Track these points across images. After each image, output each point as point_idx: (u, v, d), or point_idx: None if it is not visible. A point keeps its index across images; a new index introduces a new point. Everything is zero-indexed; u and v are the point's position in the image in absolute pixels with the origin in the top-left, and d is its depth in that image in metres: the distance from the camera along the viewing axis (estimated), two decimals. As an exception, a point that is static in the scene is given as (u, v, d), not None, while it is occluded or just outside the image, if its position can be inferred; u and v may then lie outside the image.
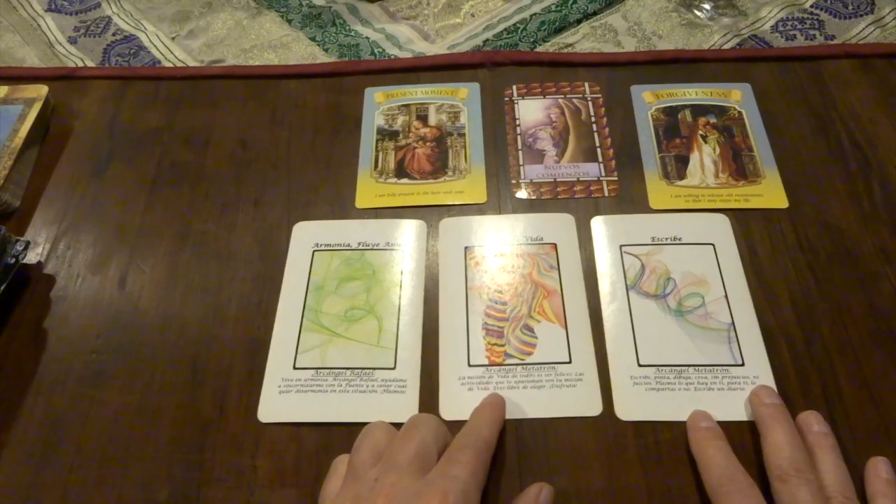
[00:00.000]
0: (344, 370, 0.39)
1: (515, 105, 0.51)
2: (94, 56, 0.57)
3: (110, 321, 0.42)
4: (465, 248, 0.44)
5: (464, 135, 0.50)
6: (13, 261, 0.41)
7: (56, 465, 0.36)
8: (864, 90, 0.50)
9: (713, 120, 0.49)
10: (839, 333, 0.39)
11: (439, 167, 0.48)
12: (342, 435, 0.37)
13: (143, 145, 0.50)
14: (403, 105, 0.52)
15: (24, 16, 0.60)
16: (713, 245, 0.43)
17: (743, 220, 0.44)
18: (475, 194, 0.47)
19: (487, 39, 0.56)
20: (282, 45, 0.57)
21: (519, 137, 0.50)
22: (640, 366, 0.38)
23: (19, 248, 0.42)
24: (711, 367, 0.38)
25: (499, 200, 0.46)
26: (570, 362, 0.39)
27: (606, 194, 0.46)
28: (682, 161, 0.47)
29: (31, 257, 0.44)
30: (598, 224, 0.45)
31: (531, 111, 0.51)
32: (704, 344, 0.39)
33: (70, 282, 0.44)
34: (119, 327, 0.41)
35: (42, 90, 0.51)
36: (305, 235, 0.45)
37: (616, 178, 0.47)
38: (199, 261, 0.44)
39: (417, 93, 0.52)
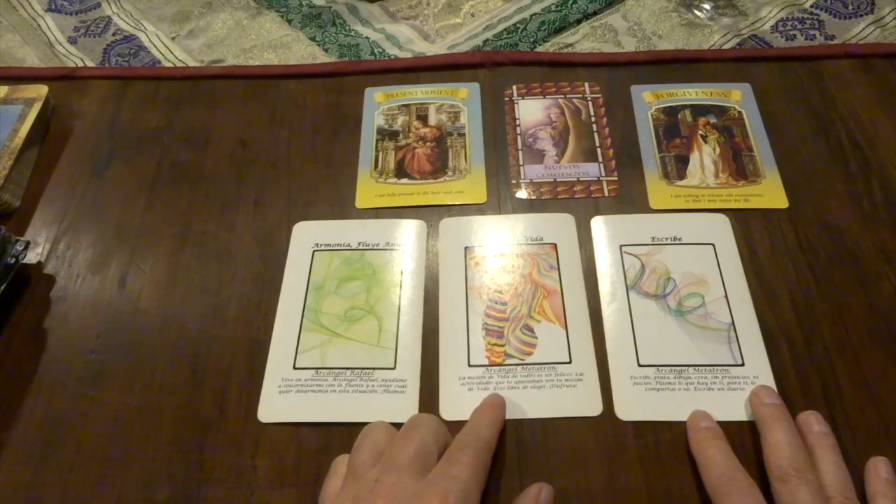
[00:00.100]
0: (344, 370, 0.39)
1: (515, 105, 0.51)
2: (94, 56, 0.57)
3: (110, 321, 0.42)
4: (465, 248, 0.44)
5: (464, 135, 0.50)
6: (13, 261, 0.41)
7: (56, 465, 0.36)
8: (864, 90, 0.50)
9: (713, 120, 0.49)
10: (839, 333, 0.39)
11: (439, 167, 0.48)
12: (342, 435, 0.37)
13: (143, 145, 0.50)
14: (403, 105, 0.52)
15: (24, 16, 0.60)
16: (713, 245, 0.43)
17: (743, 220, 0.44)
18: (475, 194, 0.47)
19: (487, 39, 0.56)
20: (282, 45, 0.57)
21: (519, 137, 0.50)
22: (640, 366, 0.38)
23: (19, 248, 0.42)
24: (711, 367, 0.38)
25: (499, 200, 0.46)
26: (570, 362, 0.39)
27: (606, 194, 0.46)
28: (682, 161, 0.47)
29: (31, 257, 0.44)
30: (598, 224, 0.45)
31: (531, 111, 0.51)
32: (704, 344, 0.39)
33: (70, 282, 0.44)
34: (119, 327, 0.41)
35: (42, 90, 0.51)
36: (305, 235, 0.45)
37: (616, 178, 0.47)
38: (199, 261, 0.44)
39: (417, 93, 0.52)
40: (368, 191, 0.47)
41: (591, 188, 0.46)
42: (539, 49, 0.55)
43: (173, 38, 0.58)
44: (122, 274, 0.44)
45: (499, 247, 0.44)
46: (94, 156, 0.50)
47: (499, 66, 0.54)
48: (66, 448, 0.37)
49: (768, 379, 0.38)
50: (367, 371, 0.39)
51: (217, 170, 0.49)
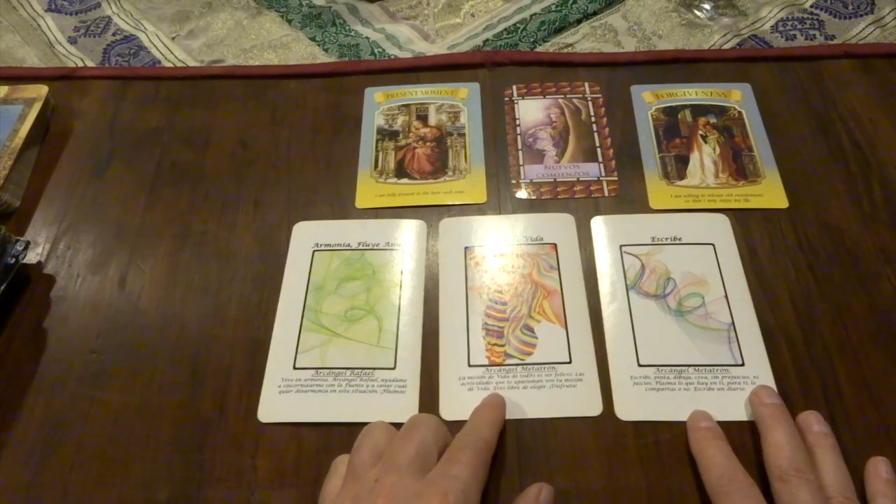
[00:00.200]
0: (344, 370, 0.39)
1: (515, 105, 0.51)
2: (94, 56, 0.57)
3: (110, 321, 0.42)
4: (465, 248, 0.44)
5: (464, 135, 0.50)
6: (13, 261, 0.41)
7: (56, 465, 0.36)
8: (864, 90, 0.50)
9: (713, 120, 0.49)
10: (839, 333, 0.39)
11: (439, 167, 0.48)
12: (342, 435, 0.37)
13: (143, 145, 0.50)
14: (403, 105, 0.52)
15: (24, 16, 0.60)
16: (713, 245, 0.43)
17: (743, 220, 0.44)
18: (475, 194, 0.47)
19: (487, 39, 0.56)
20: (282, 45, 0.57)
21: (519, 137, 0.50)
22: (640, 366, 0.38)
23: (19, 248, 0.42)
24: (711, 367, 0.38)
25: (499, 200, 0.46)
26: (570, 362, 0.39)
27: (606, 194, 0.46)
28: (682, 161, 0.47)
29: (31, 257, 0.44)
30: (598, 224, 0.45)
31: (531, 111, 0.51)
32: (704, 344, 0.39)
33: (70, 282, 0.44)
34: (119, 327, 0.41)
35: (42, 90, 0.51)
36: (305, 235, 0.45)
37: (616, 178, 0.47)
38: (199, 261, 0.44)
39: (417, 93, 0.52)
40: (368, 191, 0.47)
41: (591, 188, 0.46)
42: (539, 49, 0.55)
43: (173, 38, 0.58)
44: (122, 274, 0.44)
45: (499, 247, 0.44)
46: (94, 156, 0.50)
47: (499, 66, 0.54)
48: (66, 448, 0.37)
49: (768, 379, 0.38)
50: (367, 371, 0.39)
51: (217, 170, 0.49)
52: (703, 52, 0.54)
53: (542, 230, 0.44)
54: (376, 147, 0.49)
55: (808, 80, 0.51)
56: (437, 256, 0.44)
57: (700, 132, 0.49)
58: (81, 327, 0.41)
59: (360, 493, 0.29)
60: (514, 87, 0.52)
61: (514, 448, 0.36)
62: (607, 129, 0.50)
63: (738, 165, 0.47)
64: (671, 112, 0.50)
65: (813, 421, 0.35)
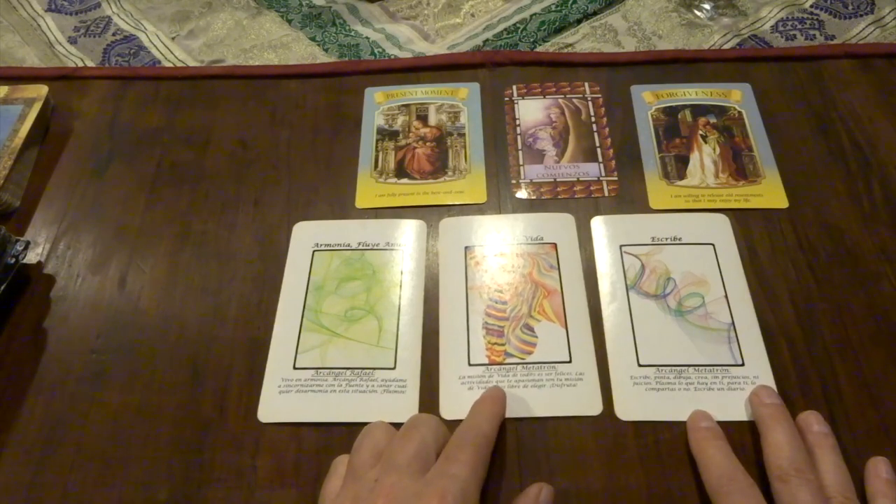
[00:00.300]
0: (344, 370, 0.39)
1: (515, 105, 0.51)
2: (94, 56, 0.57)
3: (110, 321, 0.42)
4: (466, 247, 0.44)
5: (464, 135, 0.50)
6: (13, 261, 0.41)
7: (56, 465, 0.36)
8: (864, 90, 0.50)
9: (713, 120, 0.49)
10: (839, 333, 0.39)
11: (439, 167, 0.48)
12: (342, 435, 0.37)
13: (143, 145, 0.50)
14: (403, 105, 0.52)
15: (24, 16, 0.60)
16: (713, 245, 0.43)
17: (743, 220, 0.44)
18: (475, 194, 0.47)
19: (487, 39, 0.56)
20: (282, 45, 0.57)
21: (519, 137, 0.50)
22: (640, 366, 0.38)
23: (19, 248, 0.42)
24: (711, 367, 0.38)
25: (499, 200, 0.46)
26: (570, 362, 0.39)
27: (606, 194, 0.46)
28: (682, 161, 0.47)
29: (31, 257, 0.44)
30: (598, 224, 0.45)
31: (531, 111, 0.51)
32: (704, 344, 0.39)
33: (70, 282, 0.44)
34: (119, 327, 0.41)
35: (42, 90, 0.51)
36: (305, 235, 0.45)
37: (616, 178, 0.47)
38: (199, 261, 0.44)
39: (417, 93, 0.52)
40: (368, 191, 0.47)
41: (591, 188, 0.46)
42: (539, 49, 0.55)
43: (173, 38, 0.58)
44: (122, 274, 0.44)
45: (499, 246, 0.44)
46: (94, 156, 0.50)
47: (499, 66, 0.54)
48: (66, 448, 0.37)
49: (768, 379, 0.38)
50: (367, 371, 0.39)
51: (217, 170, 0.49)
52: (703, 52, 0.54)
53: (542, 230, 0.44)
54: (376, 147, 0.49)
55: (808, 80, 0.51)
56: (437, 256, 0.44)
57: (700, 132, 0.49)
58: (81, 327, 0.41)
59: (360, 493, 0.29)
60: (514, 87, 0.52)
61: (514, 448, 0.36)
62: (607, 129, 0.50)
63: (738, 165, 0.47)
64: (671, 112, 0.50)
65: (813, 421, 0.35)
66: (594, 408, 0.37)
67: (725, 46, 0.54)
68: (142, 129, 0.51)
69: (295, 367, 0.39)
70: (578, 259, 0.43)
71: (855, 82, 0.51)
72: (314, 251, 0.44)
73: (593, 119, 0.50)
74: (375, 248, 0.44)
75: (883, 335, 0.39)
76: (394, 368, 0.39)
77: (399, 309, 0.41)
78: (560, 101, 0.51)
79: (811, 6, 0.57)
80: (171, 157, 0.49)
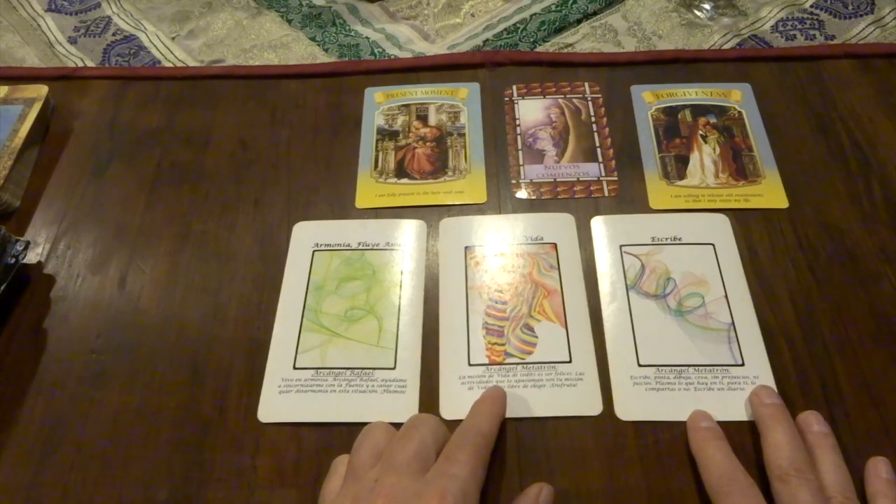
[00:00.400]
0: (344, 370, 0.39)
1: (515, 105, 0.51)
2: (94, 56, 0.57)
3: (110, 321, 0.42)
4: (466, 247, 0.44)
5: (464, 135, 0.50)
6: (13, 261, 0.41)
7: (56, 465, 0.36)
8: (864, 90, 0.50)
9: (713, 120, 0.49)
10: (839, 333, 0.39)
11: (439, 167, 0.48)
12: (342, 435, 0.37)
13: (143, 145, 0.50)
14: (403, 105, 0.52)
15: (24, 16, 0.60)
16: (713, 245, 0.43)
17: (743, 220, 0.44)
18: (475, 194, 0.47)
19: (487, 39, 0.56)
20: (282, 45, 0.57)
21: (519, 137, 0.50)
22: (640, 366, 0.38)
23: (19, 248, 0.42)
24: (711, 367, 0.38)
25: (499, 200, 0.46)
26: (570, 362, 0.39)
27: (606, 194, 0.46)
28: (682, 161, 0.47)
29: (31, 257, 0.44)
30: (598, 224, 0.45)
31: (531, 111, 0.51)
32: (704, 344, 0.39)
33: (70, 282, 0.44)
34: (119, 327, 0.41)
35: (42, 90, 0.51)
36: (305, 235, 0.45)
37: (616, 178, 0.47)
38: (199, 261, 0.44)
39: (417, 93, 0.52)
40: (368, 191, 0.47)
41: (591, 188, 0.46)
42: (539, 49, 0.55)
43: (173, 38, 0.58)
44: (122, 274, 0.44)
45: (499, 246, 0.44)
46: (94, 156, 0.50)
47: (499, 66, 0.54)
48: (66, 448, 0.37)
49: (768, 379, 0.38)
50: (367, 371, 0.39)
51: (217, 170, 0.49)
52: (703, 52, 0.54)
53: (542, 230, 0.44)
54: (376, 147, 0.49)
55: (808, 80, 0.51)
56: (437, 256, 0.44)
57: (700, 132, 0.49)
58: (81, 327, 0.41)
59: (360, 493, 0.29)
60: (514, 87, 0.52)
61: (514, 448, 0.36)
62: (607, 129, 0.50)
63: (738, 165, 0.47)
64: (671, 112, 0.50)
65: (813, 421, 0.35)
66: (594, 408, 0.37)
67: (725, 46, 0.54)
68: (142, 129, 0.51)
69: (295, 367, 0.39)
70: (578, 259, 0.43)
71: (855, 82, 0.51)
72: (314, 251, 0.44)
73: (593, 119, 0.50)
74: (375, 248, 0.44)
75: (883, 335, 0.39)
76: (394, 368, 0.39)
77: (399, 309, 0.41)
78: (560, 101, 0.51)
79: (811, 6, 0.57)
80: (171, 157, 0.49)
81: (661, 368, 0.38)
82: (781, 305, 0.40)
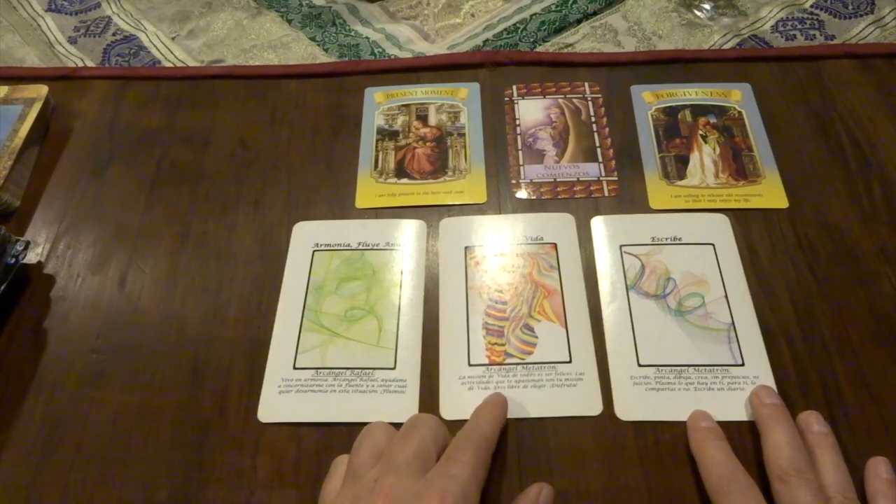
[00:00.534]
0: (344, 370, 0.39)
1: (515, 105, 0.51)
2: (94, 56, 0.57)
3: (110, 321, 0.42)
4: (465, 247, 0.44)
5: (464, 135, 0.50)
6: (13, 261, 0.41)
7: (56, 465, 0.36)
8: (864, 90, 0.50)
9: (713, 120, 0.49)
10: (839, 333, 0.39)
11: (439, 167, 0.48)
12: (342, 435, 0.37)
13: (143, 145, 0.50)
14: (403, 105, 0.52)
15: (24, 16, 0.60)
16: (713, 245, 0.43)
17: (743, 220, 0.44)
18: (475, 194, 0.47)
19: (487, 39, 0.56)
20: (282, 45, 0.57)
21: (519, 137, 0.50)
22: (640, 366, 0.38)
23: (19, 248, 0.42)
24: (711, 367, 0.38)
25: (499, 200, 0.46)
26: (570, 362, 0.39)
27: (606, 194, 0.46)
28: (682, 161, 0.47)
29: (31, 257, 0.44)
30: (598, 224, 0.45)
31: (531, 111, 0.51)
32: (704, 344, 0.39)
33: (70, 282, 0.44)
34: (119, 327, 0.41)
35: (42, 90, 0.51)
36: (305, 235, 0.45)
37: (616, 178, 0.47)
38: (199, 261, 0.44)
39: (417, 93, 0.52)
40: (368, 191, 0.47)
41: (591, 188, 0.46)
42: (539, 49, 0.55)
43: (173, 38, 0.58)
44: (122, 274, 0.44)
45: (499, 246, 0.44)
46: (94, 156, 0.50)
47: (499, 66, 0.54)
48: (66, 448, 0.37)
49: (768, 379, 0.38)
50: (367, 371, 0.39)
51: (217, 170, 0.49)
52: (703, 52, 0.54)
53: (542, 230, 0.44)
54: (376, 147, 0.49)
55: (808, 80, 0.51)
56: (437, 256, 0.44)
57: (700, 132, 0.49)
58: (81, 327, 0.41)
59: (360, 492, 0.29)
60: (514, 87, 0.52)
61: (514, 448, 0.36)
62: (607, 129, 0.50)
63: (738, 165, 0.47)
64: (671, 112, 0.50)
65: (813, 421, 0.35)
66: (594, 408, 0.37)
67: (725, 46, 0.54)
68: (142, 129, 0.51)
69: (295, 367, 0.39)
70: (578, 259, 0.43)
71: (855, 82, 0.51)
72: (314, 251, 0.44)
73: (593, 119, 0.50)
74: (375, 248, 0.44)
75: (883, 335, 0.39)
76: (394, 368, 0.39)
77: (399, 309, 0.41)
78: (560, 101, 0.51)
79: (811, 6, 0.57)
80: (171, 157, 0.49)
81: (661, 368, 0.38)
82: (781, 305, 0.40)
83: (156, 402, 0.38)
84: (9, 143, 0.48)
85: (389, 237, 0.44)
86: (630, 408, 0.37)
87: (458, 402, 0.37)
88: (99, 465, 0.36)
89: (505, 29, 0.56)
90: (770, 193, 0.45)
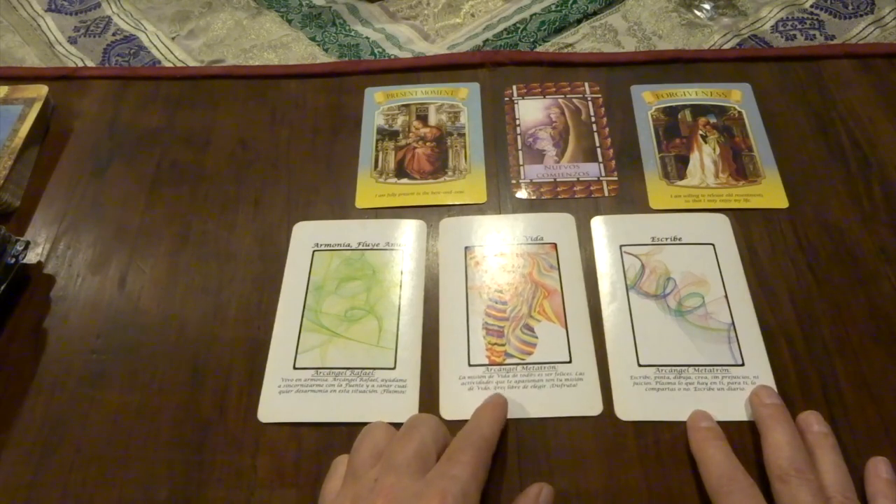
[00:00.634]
0: (344, 370, 0.39)
1: (515, 105, 0.51)
2: (94, 56, 0.57)
3: (110, 321, 0.42)
4: (465, 247, 0.44)
5: (464, 135, 0.50)
6: (13, 261, 0.41)
7: (56, 465, 0.36)
8: (864, 90, 0.50)
9: (713, 120, 0.49)
10: (839, 333, 0.39)
11: (439, 167, 0.48)
12: (342, 435, 0.37)
13: (143, 145, 0.50)
14: (403, 105, 0.52)
15: (24, 16, 0.60)
16: (713, 245, 0.43)
17: (743, 220, 0.44)
18: (475, 194, 0.47)
19: (487, 39, 0.56)
20: (282, 45, 0.57)
21: (519, 137, 0.50)
22: (640, 366, 0.38)
23: (19, 248, 0.42)
24: (711, 367, 0.38)
25: (499, 200, 0.46)
26: (570, 362, 0.39)
27: (606, 194, 0.46)
28: (682, 161, 0.47)
29: (31, 257, 0.44)
30: (598, 224, 0.45)
31: (531, 111, 0.51)
32: (704, 344, 0.39)
33: (70, 282, 0.44)
34: (119, 327, 0.41)
35: (42, 90, 0.51)
36: (305, 235, 0.45)
37: (616, 178, 0.47)
38: (199, 261, 0.44)
39: (417, 93, 0.52)
40: (368, 191, 0.47)
41: (591, 188, 0.46)
42: (539, 49, 0.55)
43: (173, 38, 0.58)
44: (122, 274, 0.44)
45: (499, 246, 0.44)
46: (94, 156, 0.50)
47: (499, 66, 0.54)
48: (66, 448, 0.37)
49: (768, 379, 0.38)
50: (367, 371, 0.39)
51: (217, 170, 0.49)
52: (703, 52, 0.54)
53: (542, 230, 0.44)
54: (376, 147, 0.49)
55: (808, 80, 0.51)
56: (437, 256, 0.44)
57: (700, 132, 0.49)
58: (81, 327, 0.41)
59: (360, 492, 0.29)
60: (514, 87, 0.52)
61: (514, 448, 0.36)
62: (607, 129, 0.50)
63: (738, 165, 0.47)
64: (671, 112, 0.50)
65: (813, 421, 0.35)
66: (594, 408, 0.37)
67: (725, 46, 0.54)
68: (142, 129, 0.51)
69: (295, 367, 0.39)
70: (578, 259, 0.43)
71: (855, 82, 0.51)
72: (314, 251, 0.44)
73: (593, 119, 0.50)
74: (375, 248, 0.44)
75: (883, 335, 0.39)
76: (394, 368, 0.39)
77: (399, 309, 0.41)
78: (560, 101, 0.51)
79: (811, 6, 0.57)
80: (171, 157, 0.49)
81: (661, 368, 0.38)
82: (781, 305, 0.40)
83: (156, 402, 0.38)
84: (9, 143, 0.48)
85: (389, 237, 0.44)
86: (630, 408, 0.37)
87: (458, 402, 0.37)
88: (99, 465, 0.36)
89: (505, 29, 0.56)
90: (770, 193, 0.45)
